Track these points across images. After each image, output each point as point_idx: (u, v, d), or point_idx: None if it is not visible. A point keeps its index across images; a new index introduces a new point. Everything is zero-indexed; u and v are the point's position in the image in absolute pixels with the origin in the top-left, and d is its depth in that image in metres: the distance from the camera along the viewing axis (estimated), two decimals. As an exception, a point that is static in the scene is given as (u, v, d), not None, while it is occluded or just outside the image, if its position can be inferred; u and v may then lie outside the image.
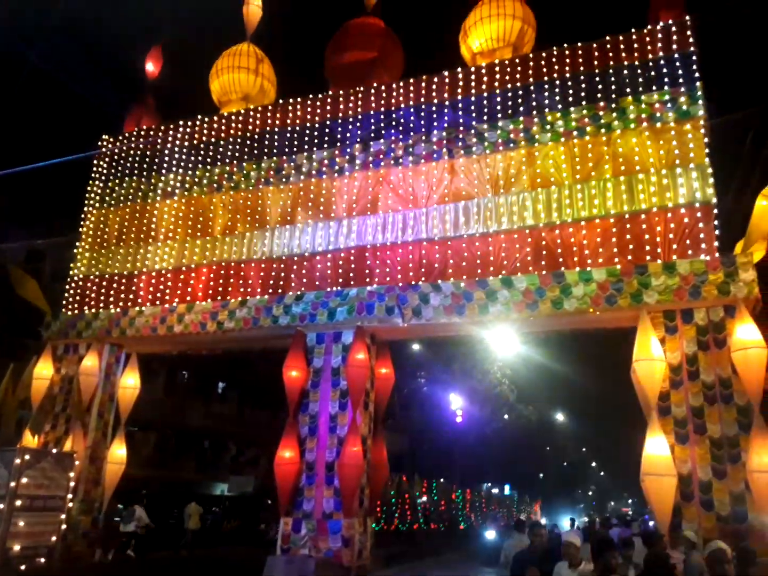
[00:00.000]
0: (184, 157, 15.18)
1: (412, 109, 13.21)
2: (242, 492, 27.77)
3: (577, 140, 11.61)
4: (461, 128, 12.59)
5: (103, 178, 15.90)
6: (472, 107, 12.66)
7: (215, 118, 15.25)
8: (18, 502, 10.55)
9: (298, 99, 14.48)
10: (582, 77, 11.96)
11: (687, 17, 11.55)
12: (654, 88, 11.31)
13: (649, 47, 11.63)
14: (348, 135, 13.61)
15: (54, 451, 12.38)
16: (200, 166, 14.89)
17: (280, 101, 14.81)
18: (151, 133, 15.84)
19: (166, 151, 15.43)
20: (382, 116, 13.44)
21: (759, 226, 10.11)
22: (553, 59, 12.33)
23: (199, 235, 14.18)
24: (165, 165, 15.30)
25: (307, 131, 14.06)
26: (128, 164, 15.78)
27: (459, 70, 13.17)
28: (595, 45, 12.07)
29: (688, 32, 11.42)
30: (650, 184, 10.81)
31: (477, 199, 11.99)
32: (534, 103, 12.16)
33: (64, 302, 14.84)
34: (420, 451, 23.57)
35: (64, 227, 16.39)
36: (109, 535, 13.86)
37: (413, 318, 11.42)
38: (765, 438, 8.92)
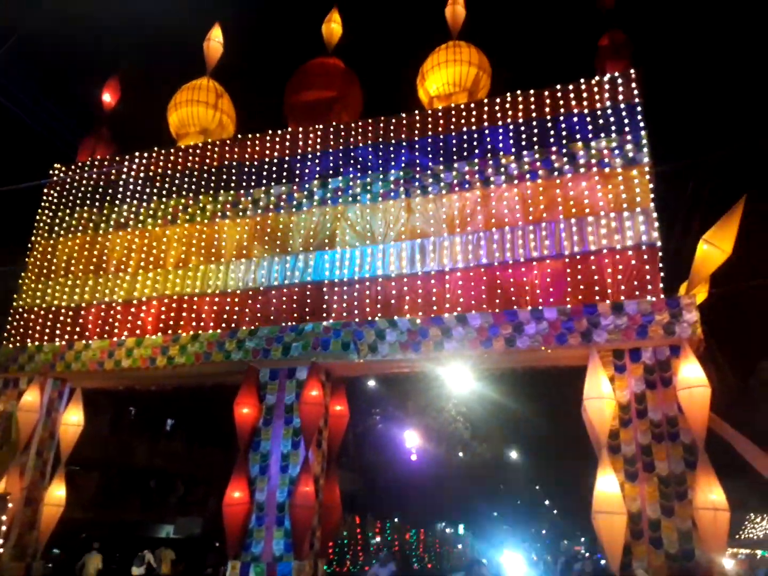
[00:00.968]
0: (138, 188, 14.97)
1: (370, 148, 13.42)
2: (189, 534, 26.69)
3: (529, 183, 11.97)
4: (418, 168, 12.84)
5: (53, 207, 15.51)
6: (429, 148, 12.95)
7: (172, 150, 15.15)
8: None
9: (257, 134, 14.53)
10: (534, 123, 12.40)
11: (632, 70, 12.19)
12: (602, 135, 11.81)
13: (597, 96, 12.18)
14: (306, 171, 13.70)
15: (-14, 492, 11.69)
16: (155, 198, 14.70)
17: (239, 136, 14.84)
18: (106, 163, 15.61)
19: (121, 182, 15.20)
20: (340, 154, 13.61)
21: (701, 269, 10.55)
22: (507, 105, 12.78)
23: (151, 268, 13.90)
24: (119, 196, 15.05)
25: (266, 166, 14.10)
26: (80, 194, 15.46)
27: (416, 112, 13.49)
28: (546, 93, 12.58)
29: (633, 84, 12.03)
30: (599, 226, 11.19)
31: (433, 238, 12.17)
32: (488, 146, 12.52)
33: (5, 335, 14.25)
34: (374, 490, 23.21)
35: (7, 257, 15.84)
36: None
37: (369, 354, 11.37)
38: (709, 475, 9.13)
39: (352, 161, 13.44)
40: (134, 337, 13.06)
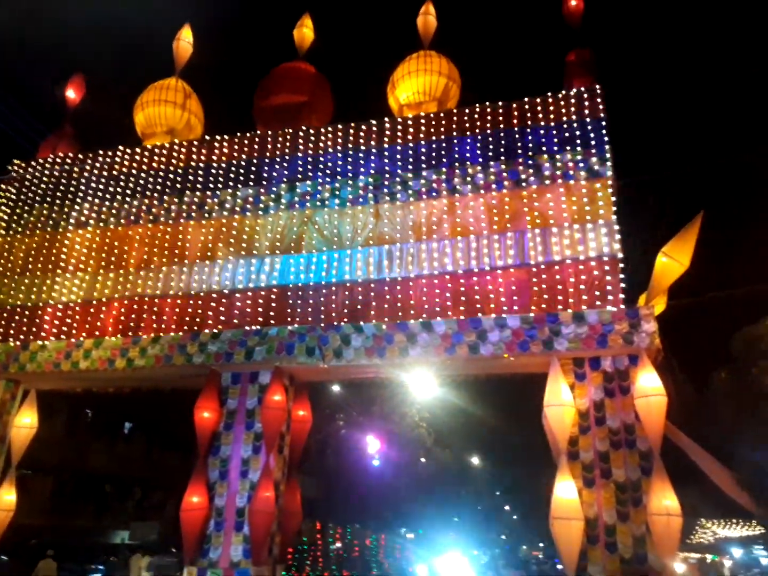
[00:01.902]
0: (101, 187, 14.67)
1: (339, 154, 13.44)
2: (145, 540, 26.11)
3: (495, 193, 12.15)
4: (387, 175, 12.91)
5: (11, 204, 15.08)
6: (398, 156, 13.04)
7: (137, 150, 14.89)
8: None
9: (225, 136, 14.41)
10: (501, 134, 12.60)
11: (597, 86, 12.50)
12: (567, 148, 12.07)
13: (563, 110, 12.45)
14: (274, 174, 13.64)
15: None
16: (118, 197, 14.43)
17: (207, 137, 14.68)
18: (68, 160, 15.25)
19: (83, 180, 14.87)
20: (309, 158, 13.58)
21: (659, 281, 10.85)
22: (476, 115, 12.96)
23: (113, 268, 13.62)
24: (80, 194, 14.71)
25: (233, 168, 13.98)
26: (40, 191, 15.06)
27: (386, 119, 13.57)
28: (514, 105, 12.81)
29: (599, 99, 12.34)
30: (563, 237, 11.42)
31: (400, 244, 12.23)
32: (456, 156, 12.67)
33: (-44, 334, 13.75)
34: (335, 495, 23.11)
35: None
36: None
37: (334, 359, 11.35)
38: (664, 482, 9.38)
39: (321, 166, 13.43)
40: (93, 339, 12.76)
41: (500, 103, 12.87)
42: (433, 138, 13.00)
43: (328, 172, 13.31)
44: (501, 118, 12.75)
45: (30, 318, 13.59)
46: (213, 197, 13.76)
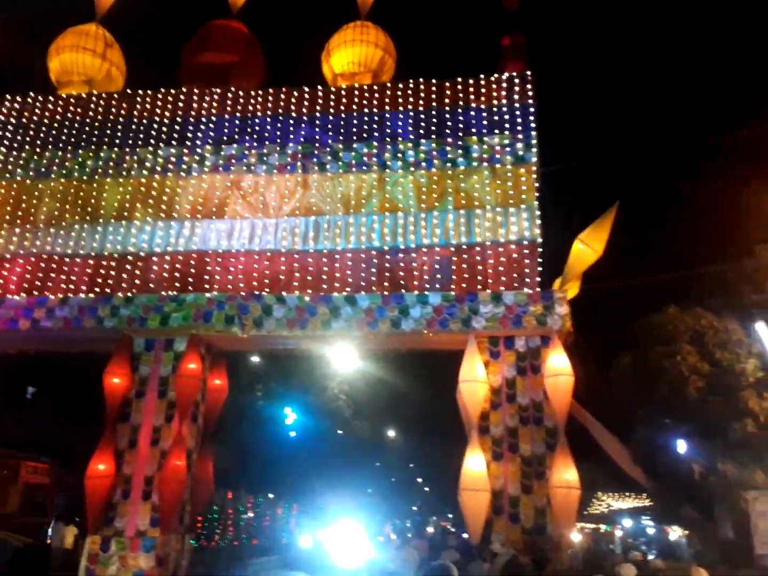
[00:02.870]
0: (8, 135, 13.63)
1: (269, 119, 13.09)
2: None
3: (424, 171, 12.23)
4: (317, 145, 12.70)
5: None
6: (329, 126, 12.85)
7: (51, 98, 13.92)
8: None
9: (149, 91, 13.70)
10: (433, 112, 12.66)
11: (528, 72, 12.74)
12: (496, 131, 12.29)
13: (494, 94, 12.64)
14: (199, 135, 13.13)
15: None
16: (27, 147, 13.46)
17: (128, 91, 13.90)
18: (-30, 102, 14.04)
19: (-13, 126, 13.75)
20: (237, 121, 13.16)
21: (574, 267, 11.33)
22: (409, 91, 12.94)
23: (18, 223, 12.75)
24: (-16, 141, 13.61)
25: (155, 125, 13.34)
26: (-63, 134, 13.81)
27: (319, 87, 13.32)
28: (447, 84, 12.87)
29: (529, 86, 12.59)
30: (486, 219, 11.68)
31: (327, 216, 12.12)
32: (388, 131, 12.63)
33: None
34: (249, 465, 22.99)
35: None
36: None
37: (254, 329, 11.18)
38: (566, 457, 9.90)
39: (248, 130, 13.04)
40: (-6, 297, 11.96)
41: (434, 81, 12.90)
42: (366, 110, 12.89)
43: (255, 136, 12.95)
44: (434, 96, 12.80)
45: None
46: (132, 155, 13.10)
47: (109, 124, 13.48)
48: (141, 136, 13.27)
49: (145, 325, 11.35)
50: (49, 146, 13.41)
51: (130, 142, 13.23)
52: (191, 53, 14.25)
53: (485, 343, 10.99)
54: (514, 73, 12.73)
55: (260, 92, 13.42)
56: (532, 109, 12.40)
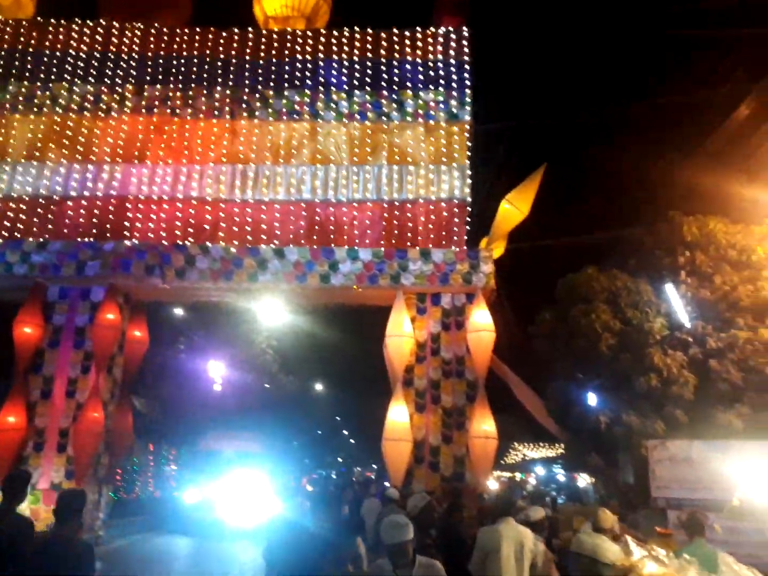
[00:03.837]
0: None
1: (196, 60, 12.45)
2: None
3: (358, 124, 12.03)
4: (246, 90, 12.22)
5: None
6: (260, 71, 12.37)
7: (-51, 19, 12.64)
8: None
9: (62, 21, 12.68)
10: (368, 63, 12.40)
11: (465, 28, 12.62)
12: (430, 87, 12.19)
13: (430, 48, 12.48)
14: (120, 73, 12.33)
15: None
16: None
17: (39, 19, 12.81)
18: None
19: None
20: (161, 60, 12.44)
21: (500, 226, 11.57)
22: (344, 39, 12.59)
23: None
24: None
25: (70, 59, 12.41)
26: None
27: (250, 30, 12.73)
28: (383, 35, 12.59)
29: (465, 42, 12.49)
30: (418, 176, 11.68)
31: (256, 165, 11.78)
32: (321, 79, 12.30)
33: None
34: (172, 418, 22.63)
35: None
36: None
37: (176, 280, 10.85)
38: (485, 408, 10.30)
39: (173, 70, 12.36)
40: None
41: (370, 31, 12.59)
42: (299, 57, 12.47)
43: (181, 77, 12.30)
44: (369, 46, 12.51)
45: None
46: (44, 90, 12.18)
47: (18, 55, 12.45)
48: (54, 69, 12.34)
49: (60, 273, 10.80)
50: (-52, 75, 12.26)
51: (42, 75, 12.29)
52: (111, -18, 13.23)
53: (413, 299, 11.14)
54: (450, 28, 12.58)
55: (187, 30, 12.70)
56: (467, 66, 12.34)
